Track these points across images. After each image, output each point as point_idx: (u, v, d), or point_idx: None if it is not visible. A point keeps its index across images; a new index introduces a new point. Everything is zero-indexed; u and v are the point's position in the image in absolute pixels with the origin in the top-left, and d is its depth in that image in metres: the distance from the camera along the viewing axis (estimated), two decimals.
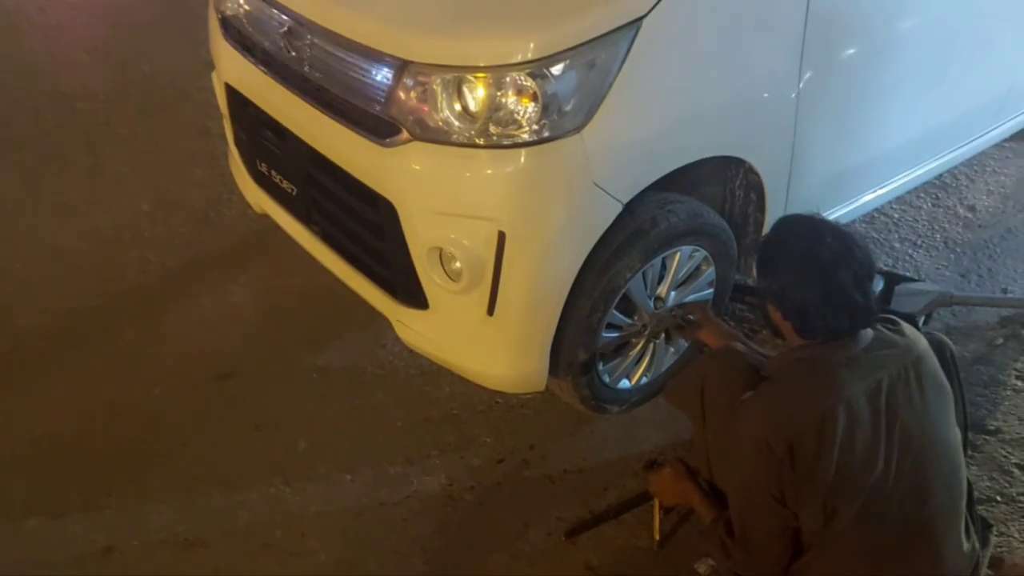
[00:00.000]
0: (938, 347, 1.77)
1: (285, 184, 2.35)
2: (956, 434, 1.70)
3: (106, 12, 4.73)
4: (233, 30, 2.34)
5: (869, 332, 1.64)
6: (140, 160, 3.46)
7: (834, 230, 1.67)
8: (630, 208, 1.94)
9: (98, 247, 3.02)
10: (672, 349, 2.35)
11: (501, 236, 1.84)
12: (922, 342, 1.68)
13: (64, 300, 2.79)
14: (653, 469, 2.00)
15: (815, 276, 1.60)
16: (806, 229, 1.69)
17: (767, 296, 1.69)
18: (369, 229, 2.08)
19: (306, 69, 2.09)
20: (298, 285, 2.78)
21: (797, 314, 1.63)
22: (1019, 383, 2.50)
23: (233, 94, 2.41)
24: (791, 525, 1.63)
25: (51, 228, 3.12)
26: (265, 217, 2.54)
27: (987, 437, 2.33)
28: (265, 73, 2.21)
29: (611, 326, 2.14)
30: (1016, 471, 2.24)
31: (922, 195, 3.26)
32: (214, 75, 2.52)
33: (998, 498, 2.17)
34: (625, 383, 2.31)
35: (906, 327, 1.71)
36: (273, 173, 2.39)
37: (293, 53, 2.11)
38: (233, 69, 2.36)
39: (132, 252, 2.98)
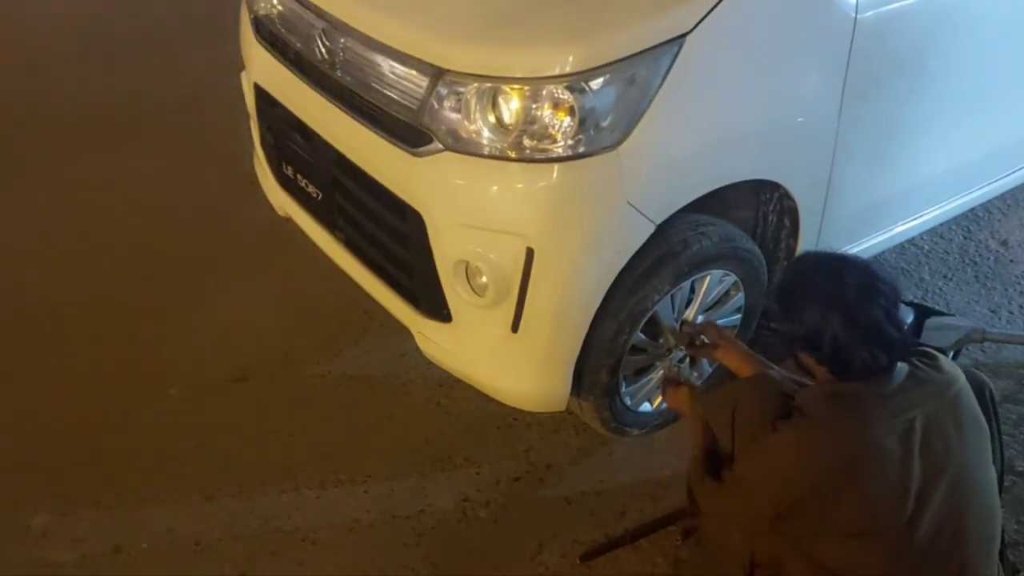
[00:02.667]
0: (978, 387, 1.71)
1: (310, 188, 2.33)
2: (992, 474, 1.65)
3: (137, 8, 4.75)
4: (265, 30, 2.32)
5: (904, 368, 1.59)
6: (164, 158, 3.45)
7: (854, 264, 1.62)
8: (662, 229, 1.90)
9: (118, 244, 3.00)
10: (696, 374, 2.30)
11: (529, 252, 1.81)
12: (960, 378, 1.63)
13: (81, 297, 2.78)
14: (674, 383, 1.98)
15: (845, 317, 1.53)
16: (825, 267, 1.63)
17: (796, 343, 1.64)
18: (395, 238, 2.05)
19: (338, 73, 2.06)
20: (318, 291, 2.75)
21: (833, 358, 1.57)
22: None
23: (262, 95, 2.39)
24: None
25: (71, 225, 3.11)
26: (288, 220, 2.52)
27: (1016, 478, 2.27)
28: (296, 75, 2.19)
29: (635, 348, 2.10)
30: None
31: (954, 228, 3.19)
32: (243, 75, 2.50)
33: None
34: (647, 406, 2.26)
35: (944, 362, 1.65)
36: (299, 176, 2.37)
37: (326, 56, 2.08)
38: (263, 70, 2.34)
39: (153, 251, 2.96)
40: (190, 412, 2.40)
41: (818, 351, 1.58)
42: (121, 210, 3.16)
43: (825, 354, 1.57)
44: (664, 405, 2.28)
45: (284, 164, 2.44)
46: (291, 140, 2.32)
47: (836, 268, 1.62)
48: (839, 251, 1.74)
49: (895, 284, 1.61)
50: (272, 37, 2.30)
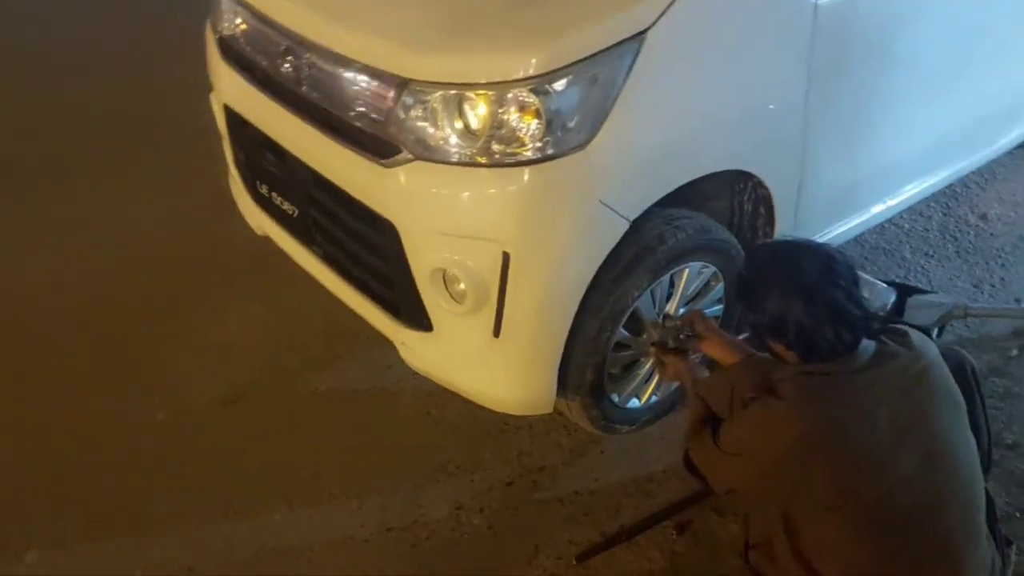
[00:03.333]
0: (959, 364, 1.72)
1: (286, 205, 2.32)
2: (971, 445, 1.66)
3: (114, 27, 4.73)
4: (231, 50, 2.32)
5: (871, 344, 1.61)
6: (141, 180, 3.44)
7: (808, 249, 1.65)
8: (637, 225, 1.90)
9: (98, 269, 3.00)
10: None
11: (506, 257, 1.81)
12: (931, 351, 1.64)
13: (62, 324, 2.77)
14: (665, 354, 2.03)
15: (806, 300, 1.56)
16: (781, 255, 1.67)
17: (763, 331, 1.66)
18: (371, 250, 2.05)
19: (305, 89, 2.06)
20: (300, 307, 2.75)
21: (800, 342, 1.59)
22: None
23: (232, 115, 2.38)
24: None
25: (50, 249, 3.10)
26: (266, 239, 2.51)
27: (1005, 451, 2.28)
28: (263, 93, 2.18)
29: (619, 345, 2.10)
30: None
31: (933, 205, 3.21)
32: (212, 96, 2.50)
33: (1018, 514, 2.12)
34: (635, 402, 2.26)
35: (915, 336, 1.67)
36: (273, 194, 2.37)
37: (291, 72, 2.08)
38: (231, 90, 2.34)
39: (133, 273, 2.96)
40: (180, 437, 2.39)
41: (784, 337, 1.61)
42: (100, 234, 3.15)
43: (791, 339, 1.60)
44: (654, 399, 2.29)
45: (258, 183, 2.43)
46: (263, 158, 2.31)
47: (792, 254, 1.66)
48: (791, 238, 1.77)
49: (851, 264, 1.65)
50: (238, 57, 2.30)
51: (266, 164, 2.31)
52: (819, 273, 1.59)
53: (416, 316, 2.02)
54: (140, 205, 3.31)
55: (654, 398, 2.30)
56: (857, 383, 1.57)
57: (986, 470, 1.91)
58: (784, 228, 2.26)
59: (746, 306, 1.70)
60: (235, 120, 2.38)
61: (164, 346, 2.68)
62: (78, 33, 4.74)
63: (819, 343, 1.58)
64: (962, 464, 1.62)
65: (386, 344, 2.20)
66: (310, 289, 2.44)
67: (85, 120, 3.88)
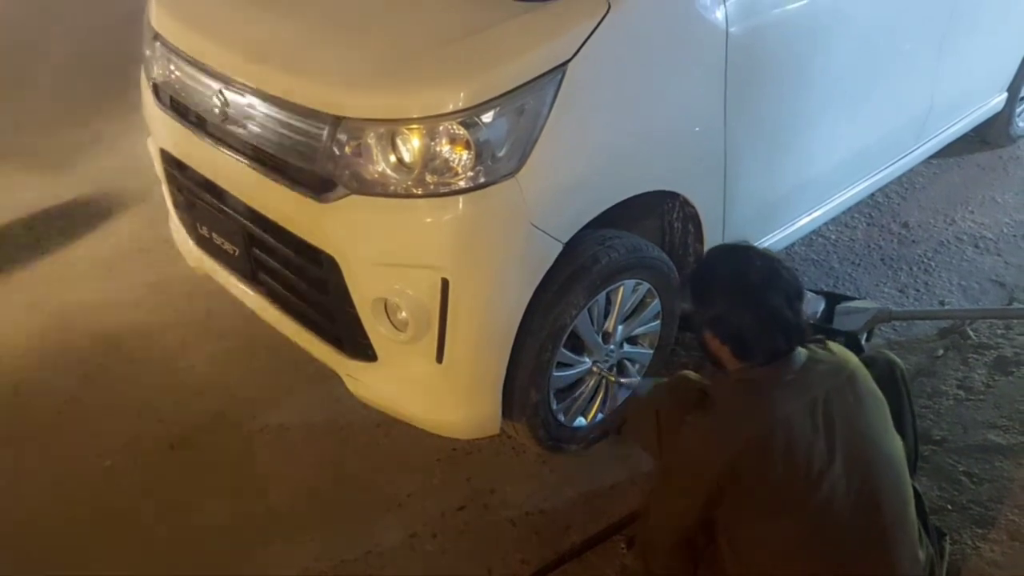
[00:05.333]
0: (889, 367, 1.82)
1: (226, 245, 2.34)
2: (897, 444, 1.74)
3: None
4: (164, 95, 2.34)
5: (803, 352, 1.69)
6: (79, 228, 3.42)
7: (760, 255, 1.74)
8: (570, 246, 1.97)
9: (42, 315, 2.97)
10: (624, 383, 2.37)
11: (445, 283, 1.86)
12: (852, 358, 1.74)
13: (6, 371, 2.73)
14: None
15: (747, 299, 1.66)
16: (733, 256, 1.76)
17: (703, 325, 1.74)
18: (313, 285, 2.08)
19: (240, 129, 2.10)
20: (246, 344, 2.76)
21: (733, 338, 1.68)
22: (961, 392, 2.57)
23: (168, 159, 2.40)
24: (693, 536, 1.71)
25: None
26: (208, 279, 2.52)
27: (934, 447, 2.38)
28: (199, 136, 2.22)
29: (562, 365, 2.16)
30: (964, 479, 2.28)
31: (857, 215, 3.36)
32: (149, 141, 2.52)
33: (949, 507, 2.21)
34: (581, 421, 2.32)
35: (834, 345, 1.76)
36: (214, 235, 2.38)
37: (226, 114, 2.11)
38: (167, 134, 2.36)
39: (77, 319, 2.93)
40: (127, 484, 2.37)
41: (721, 330, 1.68)
42: (42, 284, 3.12)
43: (726, 334, 1.68)
44: (599, 417, 2.35)
45: (198, 224, 2.45)
46: (202, 200, 2.33)
47: (744, 257, 1.75)
48: (747, 242, 1.85)
49: (797, 277, 1.73)
50: (172, 101, 2.32)
51: (205, 205, 2.33)
52: (765, 278, 1.68)
53: (360, 347, 2.06)
54: (79, 250, 3.29)
55: (600, 416, 2.36)
56: (793, 388, 1.64)
57: (913, 468, 2.02)
58: (713, 243, 2.35)
59: (694, 300, 1.77)
60: (172, 163, 2.40)
61: (109, 390, 2.66)
62: None
63: (752, 343, 1.66)
64: (891, 462, 1.70)
65: (331, 378, 2.23)
66: (254, 326, 2.46)
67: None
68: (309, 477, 2.37)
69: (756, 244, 2.54)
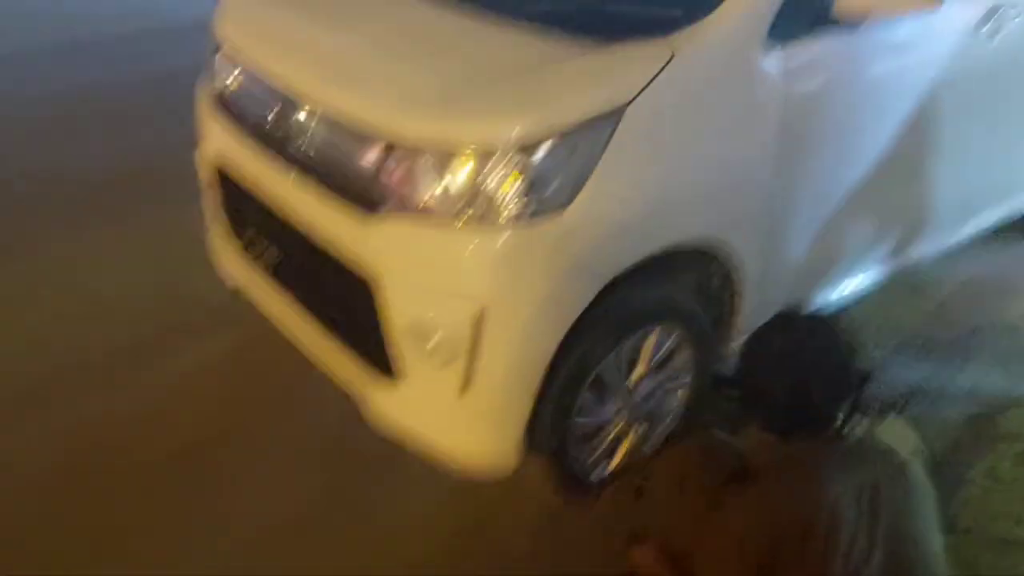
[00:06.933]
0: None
1: (267, 257, 2.36)
2: (938, 545, 1.66)
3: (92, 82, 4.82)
4: (223, 106, 2.39)
5: (857, 433, 1.64)
6: (112, 234, 3.46)
7: (820, 331, 1.69)
8: (604, 289, 1.96)
9: (62, 322, 2.98)
10: (651, 440, 2.33)
11: (480, 314, 1.85)
12: (911, 443, 1.68)
13: (19, 375, 2.72)
14: (636, 546, 1.95)
15: (792, 378, 1.61)
16: (792, 329, 1.71)
17: (748, 398, 1.70)
18: (348, 304, 2.08)
19: (293, 145, 2.13)
20: (264, 360, 2.73)
21: (790, 418, 1.63)
22: (987, 482, 2.49)
23: (219, 168, 2.44)
24: None
25: (18, 302, 3.08)
26: (237, 293, 2.53)
27: (956, 537, 2.30)
28: (253, 148, 2.24)
29: (584, 410, 2.13)
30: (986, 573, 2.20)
31: (895, 286, 3.29)
32: (200, 147, 2.55)
33: None
34: (602, 471, 2.27)
35: (891, 423, 1.71)
36: (255, 246, 2.40)
37: (281, 128, 2.15)
38: (221, 142, 2.40)
39: (97, 327, 2.94)
40: (130, 493, 2.33)
41: (760, 407, 1.64)
42: (66, 289, 3.14)
43: (767, 413, 1.63)
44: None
45: (240, 235, 2.47)
46: (246, 211, 2.36)
47: (803, 331, 1.69)
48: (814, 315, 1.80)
49: (850, 357, 1.68)
50: (229, 112, 2.36)
51: (248, 217, 2.36)
52: (818, 355, 1.64)
53: (385, 367, 2.05)
54: (110, 257, 3.32)
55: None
56: (839, 469, 1.58)
57: None
58: (750, 301, 2.33)
59: (742, 364, 1.72)
60: (221, 173, 2.44)
61: (120, 398, 2.64)
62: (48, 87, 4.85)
63: (790, 424, 1.61)
64: (932, 561, 1.62)
65: (348, 400, 2.20)
66: (273, 343, 2.44)
67: (59, 172, 3.92)
68: (311, 500, 2.33)
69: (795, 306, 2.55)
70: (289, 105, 2.13)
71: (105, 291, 3.13)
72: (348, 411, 2.25)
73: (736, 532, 1.59)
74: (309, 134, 2.09)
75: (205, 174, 2.56)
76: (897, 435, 1.71)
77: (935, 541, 1.66)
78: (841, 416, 1.64)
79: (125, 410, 2.60)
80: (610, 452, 2.29)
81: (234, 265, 2.55)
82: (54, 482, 2.37)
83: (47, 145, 4.20)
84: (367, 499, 2.35)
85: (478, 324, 1.86)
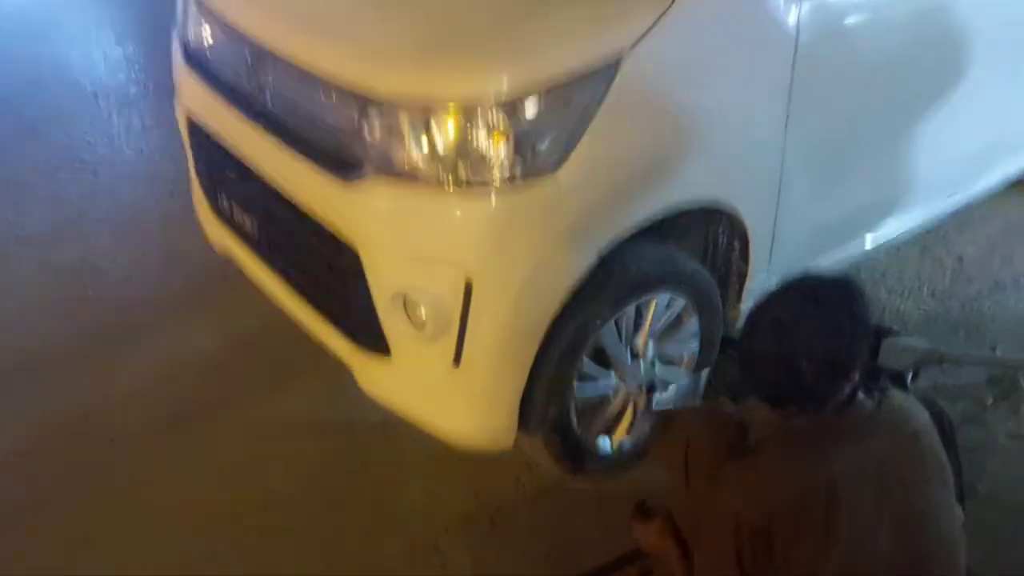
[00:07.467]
0: (937, 417, 1.65)
1: (246, 220, 2.24)
2: (955, 521, 1.56)
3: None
4: (195, 58, 2.24)
5: (865, 402, 1.52)
6: (101, 187, 3.33)
7: (829, 298, 1.55)
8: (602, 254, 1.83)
9: (54, 281, 2.88)
10: (655, 411, 2.21)
11: (468, 283, 1.73)
12: (922, 416, 1.56)
13: (14, 338, 2.65)
14: (642, 517, 1.84)
15: (786, 349, 1.48)
16: (797, 296, 1.58)
17: (743, 361, 1.58)
18: (330, 271, 1.96)
19: (268, 101, 1.99)
20: (260, 326, 2.62)
21: (769, 387, 1.52)
22: (1012, 444, 2.39)
23: (194, 124, 2.30)
24: None
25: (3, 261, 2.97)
26: (227, 255, 2.41)
27: (978, 504, 2.21)
28: (226, 104, 2.10)
29: (585, 379, 2.02)
30: (1010, 537, 2.12)
31: (910, 244, 3.16)
32: (176, 102, 2.41)
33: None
34: (605, 443, 2.17)
35: (899, 394, 1.59)
36: (234, 208, 2.28)
37: (255, 83, 2.00)
38: (194, 97, 2.26)
39: (90, 287, 2.84)
40: (127, 460, 2.27)
41: (754, 374, 1.53)
42: (56, 245, 3.03)
43: (759, 380, 1.52)
44: (628, 444, 2.20)
45: (219, 196, 2.34)
46: (225, 171, 2.23)
47: (812, 297, 1.54)
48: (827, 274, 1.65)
49: (865, 326, 1.54)
50: (201, 65, 2.21)
51: (227, 177, 2.23)
52: (827, 324, 1.48)
53: (374, 341, 1.93)
54: (99, 212, 3.21)
55: (628, 444, 2.20)
56: (843, 443, 1.47)
57: None
58: (759, 262, 2.20)
59: (744, 328, 1.60)
60: (197, 129, 2.30)
61: (116, 362, 2.57)
62: None
63: (813, 394, 1.49)
64: (947, 538, 1.52)
65: (345, 370, 2.10)
66: (270, 308, 2.34)
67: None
68: (308, 472, 2.26)
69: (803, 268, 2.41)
70: (260, 56, 1.97)
71: (88, 247, 3.03)
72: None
73: (732, 509, 1.51)
74: (283, 89, 1.95)
75: (181, 129, 2.42)
76: (910, 404, 1.59)
77: (949, 515, 1.56)
78: (848, 388, 1.52)
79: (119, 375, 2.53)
80: (613, 423, 2.18)
81: (215, 228, 2.42)
82: (38, 459, 2.30)
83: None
84: (364, 472, 2.27)
85: (466, 295, 1.74)
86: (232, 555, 2.06)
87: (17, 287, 2.88)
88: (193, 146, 2.38)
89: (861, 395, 1.53)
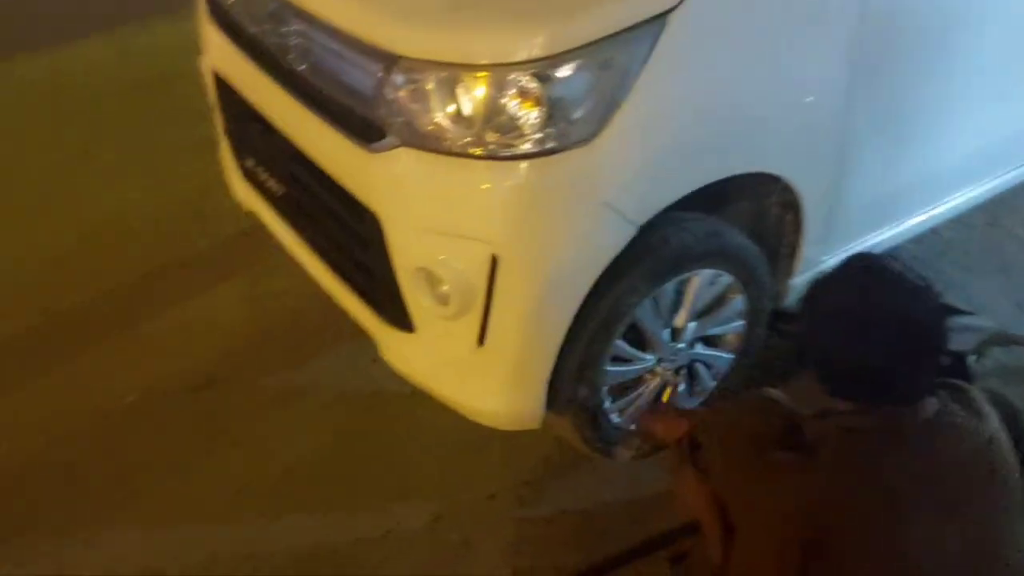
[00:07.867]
0: (1011, 414, 1.50)
1: (271, 182, 2.16)
2: (1020, 536, 1.42)
3: None
4: (219, 12, 2.13)
5: (933, 403, 1.39)
6: (131, 144, 3.28)
7: (898, 283, 1.41)
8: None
9: (81, 241, 2.84)
10: (693, 392, 2.11)
11: (494, 259, 1.62)
12: (993, 421, 1.42)
13: (41, 299, 2.62)
14: (698, 471, 1.69)
15: (854, 336, 1.35)
16: (865, 275, 1.44)
17: (802, 345, 1.46)
18: (353, 240, 1.87)
19: (291, 59, 1.88)
20: (288, 289, 2.58)
21: (829, 375, 1.39)
22: None
23: (219, 81, 2.21)
24: None
25: (31, 220, 2.95)
26: (251, 215, 2.34)
27: None
28: (250, 60, 2.00)
29: (619, 359, 1.91)
30: None
31: (977, 214, 2.95)
32: (202, 59, 2.32)
33: None
34: (636, 426, 2.07)
35: (975, 392, 1.45)
36: (260, 169, 2.20)
37: (277, 40, 1.90)
38: (219, 54, 2.16)
39: (117, 247, 2.80)
40: (148, 423, 2.25)
41: (816, 361, 1.40)
42: (83, 204, 3.00)
43: (823, 368, 1.40)
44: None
45: (245, 156, 2.26)
46: (251, 130, 2.13)
47: (876, 280, 1.42)
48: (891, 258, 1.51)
49: (938, 315, 1.40)
50: (226, 19, 2.11)
51: (253, 136, 2.14)
52: (891, 311, 1.36)
53: (398, 315, 1.85)
54: (128, 170, 3.16)
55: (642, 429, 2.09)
56: (909, 449, 1.35)
57: None
58: (813, 237, 2.04)
59: (801, 309, 1.49)
60: (223, 87, 2.21)
61: (142, 324, 2.53)
62: None
63: (852, 387, 1.38)
64: (1009, 562, 1.38)
65: (369, 339, 2.03)
66: (298, 271, 2.27)
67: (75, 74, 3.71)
68: (333, 443, 2.20)
69: (861, 241, 2.25)
70: (284, 12, 1.86)
71: (116, 207, 2.99)
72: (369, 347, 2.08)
73: (783, 509, 1.39)
74: (308, 48, 1.84)
75: (207, 87, 2.33)
76: (979, 405, 1.45)
77: (1013, 533, 1.41)
78: (923, 383, 1.39)
79: (144, 336, 2.49)
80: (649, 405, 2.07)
81: (242, 187, 2.35)
82: (62, 420, 2.28)
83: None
84: (388, 443, 2.21)
85: (492, 272, 1.63)
86: (255, 523, 2.03)
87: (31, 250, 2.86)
88: (220, 102, 2.29)
89: (936, 389, 1.40)
